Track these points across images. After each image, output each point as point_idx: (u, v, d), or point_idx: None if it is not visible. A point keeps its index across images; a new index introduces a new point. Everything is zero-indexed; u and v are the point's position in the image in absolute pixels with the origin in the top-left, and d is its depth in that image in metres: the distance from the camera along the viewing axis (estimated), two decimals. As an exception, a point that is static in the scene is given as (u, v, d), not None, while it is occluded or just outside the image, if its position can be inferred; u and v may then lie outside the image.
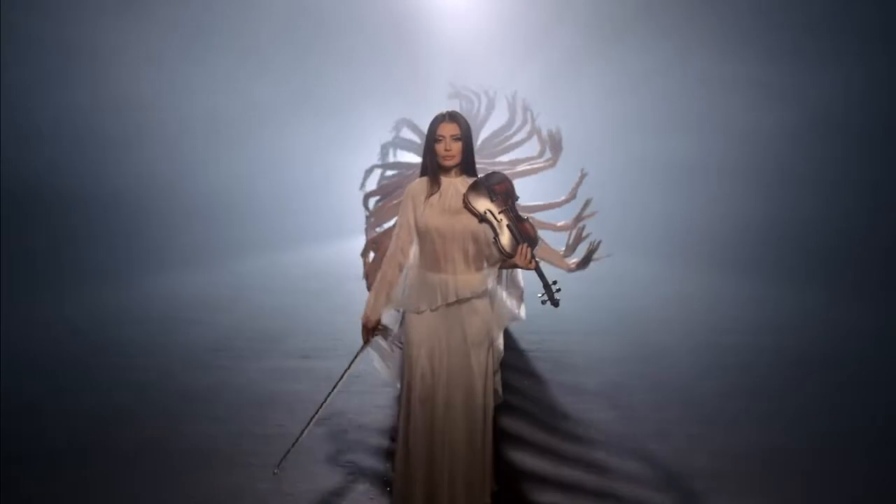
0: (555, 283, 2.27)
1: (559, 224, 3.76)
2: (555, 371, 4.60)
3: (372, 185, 4.92)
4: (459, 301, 2.38)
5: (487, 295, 2.45)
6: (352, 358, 2.58)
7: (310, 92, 12.28)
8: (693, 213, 10.54)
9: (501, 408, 3.61)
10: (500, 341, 2.58)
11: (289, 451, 2.72)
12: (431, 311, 2.39)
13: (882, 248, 8.02)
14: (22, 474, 3.06)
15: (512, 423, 3.62)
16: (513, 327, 5.81)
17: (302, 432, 2.67)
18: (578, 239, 3.09)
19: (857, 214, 8.58)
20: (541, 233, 3.67)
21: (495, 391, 2.52)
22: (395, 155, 5.64)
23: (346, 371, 2.61)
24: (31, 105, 8.15)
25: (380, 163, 5.34)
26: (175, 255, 9.21)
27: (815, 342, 5.40)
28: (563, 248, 3.15)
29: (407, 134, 5.71)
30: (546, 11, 10.46)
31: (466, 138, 2.39)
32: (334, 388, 2.62)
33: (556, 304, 2.26)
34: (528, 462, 3.19)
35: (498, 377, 2.55)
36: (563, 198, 3.95)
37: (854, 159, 8.77)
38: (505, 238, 2.29)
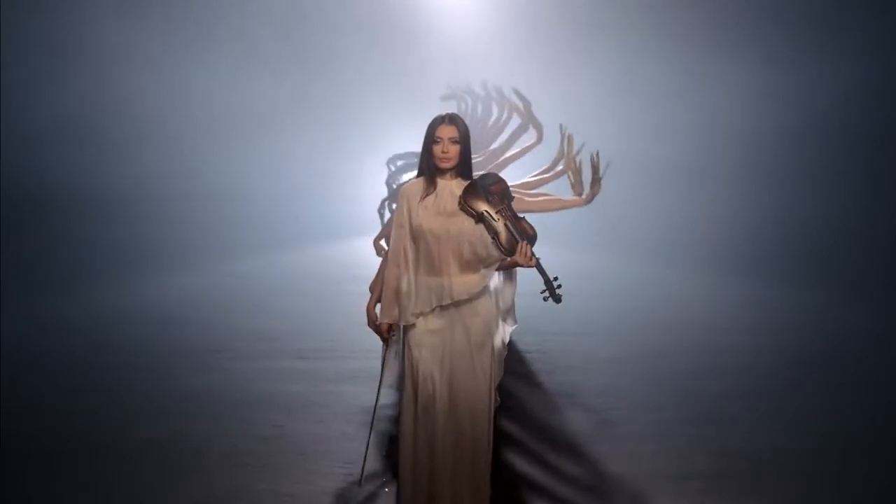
0: (555, 279, 2.27)
1: (554, 174, 3.73)
2: (553, 371, 4.59)
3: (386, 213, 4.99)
4: (459, 302, 2.37)
5: (487, 294, 2.44)
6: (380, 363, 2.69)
7: (309, 93, 12.27)
8: (692, 212, 10.52)
9: (499, 410, 3.61)
10: (505, 337, 2.57)
11: (364, 468, 2.85)
12: (427, 313, 2.38)
13: (882, 248, 8.02)
14: (21, 474, 3.06)
15: (509, 425, 3.61)
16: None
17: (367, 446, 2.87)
18: (578, 171, 3.11)
19: (858, 214, 8.58)
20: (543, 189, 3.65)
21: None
22: (397, 185, 5.71)
23: (381, 378, 2.67)
24: (30, 106, 8.15)
25: (386, 196, 5.39)
26: (173, 256, 9.19)
27: (814, 342, 5.39)
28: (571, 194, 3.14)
29: (400, 163, 5.77)
30: (548, 11, 10.45)
31: (464, 141, 2.38)
32: (377, 400, 2.82)
33: (557, 300, 2.26)
34: (526, 464, 3.19)
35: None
36: (552, 164, 3.93)
37: (854, 159, 8.77)
38: (504, 237, 2.30)
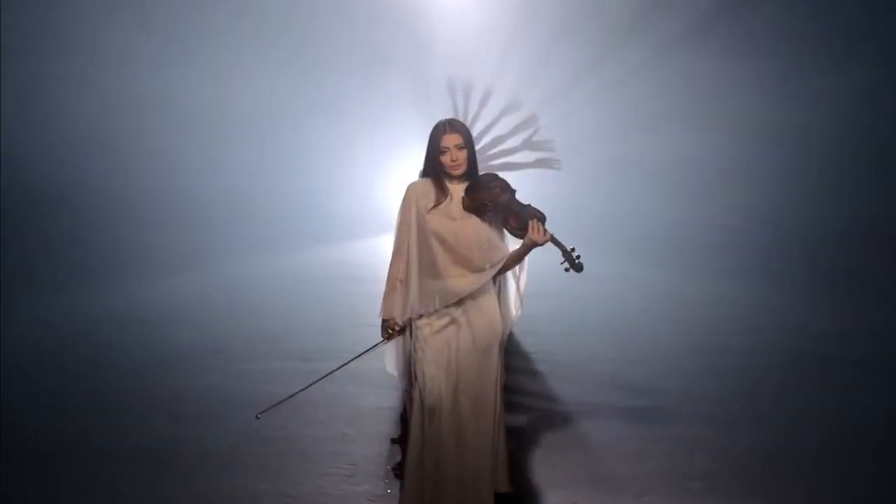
0: (573, 249, 2.29)
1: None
2: (555, 372, 4.59)
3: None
4: (464, 303, 2.37)
5: (492, 294, 2.44)
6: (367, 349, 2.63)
7: (309, 95, 12.27)
8: (693, 213, 10.51)
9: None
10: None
11: (278, 404, 2.81)
12: (431, 313, 2.38)
13: (882, 248, 8.01)
14: (22, 476, 3.06)
15: (512, 425, 3.61)
16: (513, 328, 5.80)
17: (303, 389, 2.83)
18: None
19: (858, 215, 8.58)
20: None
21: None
22: None
23: (357, 356, 2.64)
24: (30, 106, 8.15)
25: None
26: (172, 257, 9.20)
27: (815, 342, 5.39)
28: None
29: None
30: (550, 9, 10.42)
31: (469, 145, 2.40)
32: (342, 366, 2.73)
33: (579, 268, 2.28)
34: (527, 464, 3.19)
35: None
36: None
37: (855, 160, 8.77)
38: (514, 219, 2.34)
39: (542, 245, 2.31)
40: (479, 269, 2.37)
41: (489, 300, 2.43)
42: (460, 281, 2.35)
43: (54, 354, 5.01)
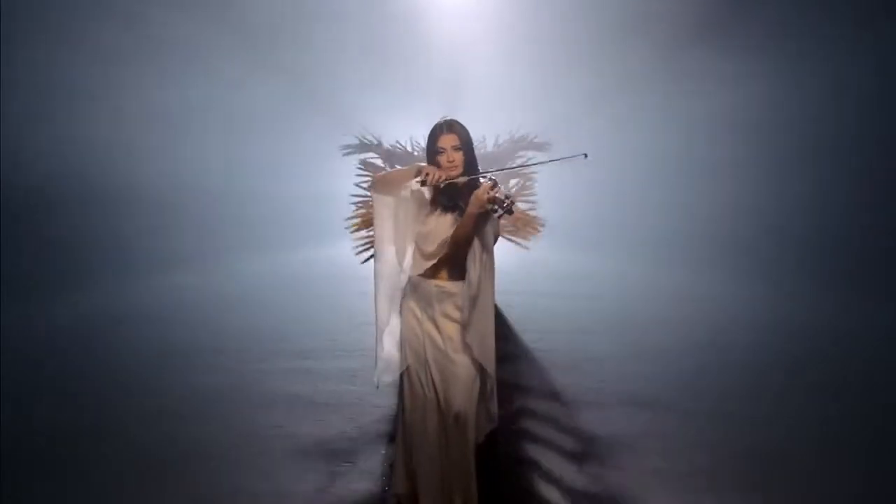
0: (507, 196, 2.22)
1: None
2: (553, 370, 4.59)
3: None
4: (434, 307, 2.40)
5: (457, 308, 2.42)
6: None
7: (311, 94, 12.30)
8: (693, 212, 10.53)
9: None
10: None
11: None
12: (412, 313, 2.44)
13: (882, 248, 8.02)
14: (22, 475, 3.06)
15: (509, 424, 3.61)
16: (513, 327, 5.82)
17: None
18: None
19: (858, 214, 8.58)
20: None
21: (489, 413, 2.46)
22: None
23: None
24: (30, 107, 8.17)
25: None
26: (174, 257, 9.21)
27: (815, 342, 5.39)
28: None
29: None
30: (548, 9, 10.44)
31: (467, 146, 2.38)
32: None
33: (510, 212, 2.22)
34: (527, 462, 3.19)
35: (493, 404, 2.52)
36: None
37: (854, 159, 8.77)
38: (468, 195, 2.32)
39: (484, 199, 2.21)
40: (449, 266, 2.41)
41: (455, 308, 2.42)
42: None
43: (54, 354, 5.01)
